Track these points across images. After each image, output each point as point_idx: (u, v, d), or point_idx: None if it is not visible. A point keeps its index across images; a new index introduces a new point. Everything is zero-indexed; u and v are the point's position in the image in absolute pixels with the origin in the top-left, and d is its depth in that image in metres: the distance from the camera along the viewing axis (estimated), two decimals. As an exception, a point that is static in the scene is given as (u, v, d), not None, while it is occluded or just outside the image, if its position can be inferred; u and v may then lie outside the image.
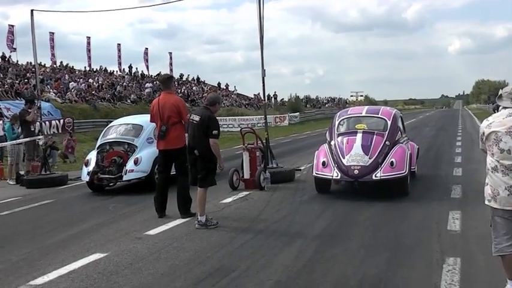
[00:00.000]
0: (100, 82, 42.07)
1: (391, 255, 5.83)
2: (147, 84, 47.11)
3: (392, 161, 8.97)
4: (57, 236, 7.36)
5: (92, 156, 11.40)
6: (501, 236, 4.35)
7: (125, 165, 10.97)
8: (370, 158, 9.03)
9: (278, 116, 46.41)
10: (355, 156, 9.08)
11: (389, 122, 9.85)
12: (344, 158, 9.18)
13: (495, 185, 4.36)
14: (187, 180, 8.22)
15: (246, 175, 11.10)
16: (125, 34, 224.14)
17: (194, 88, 54.08)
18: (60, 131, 24.92)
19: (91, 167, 11.12)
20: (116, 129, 11.78)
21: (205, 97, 10.67)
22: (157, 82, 50.24)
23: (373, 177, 8.89)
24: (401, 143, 9.89)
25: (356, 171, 8.94)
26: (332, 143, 9.73)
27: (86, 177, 11.14)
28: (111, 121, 14.21)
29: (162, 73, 54.90)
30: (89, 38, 48.60)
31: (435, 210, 8.09)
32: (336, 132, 9.93)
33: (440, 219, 7.47)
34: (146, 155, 10.91)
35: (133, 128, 11.59)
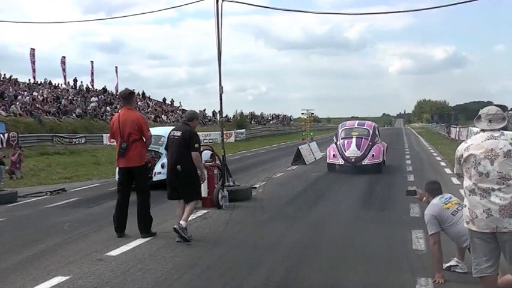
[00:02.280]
0: (45, 95, 40.91)
1: (364, 275, 5.85)
2: (93, 99, 46.16)
3: (373, 154, 15.80)
4: (14, 258, 7.03)
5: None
6: (480, 257, 4.40)
7: (154, 169, 13.52)
8: (360, 152, 15.65)
9: (225, 132, 46.44)
10: (352, 151, 15.70)
11: (371, 131, 16.70)
12: (345, 152, 15.87)
13: (473, 208, 4.39)
14: (148, 199, 8.11)
15: (204, 193, 10.94)
16: (69, 47, 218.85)
17: (140, 103, 53.37)
18: (4, 146, 23.94)
19: None
20: None
21: (184, 113, 11.31)
22: (103, 96, 49.55)
23: (363, 163, 15.62)
24: (378, 143, 16.54)
25: (353, 159, 15.75)
26: (338, 143, 16.33)
27: None
28: (58, 135, 14.31)
29: (108, 87, 54.76)
30: (33, 49, 47.08)
31: (398, 230, 8.17)
32: (340, 136, 16.60)
33: (405, 238, 7.54)
34: None
35: (156, 139, 12.84)
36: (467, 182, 4.49)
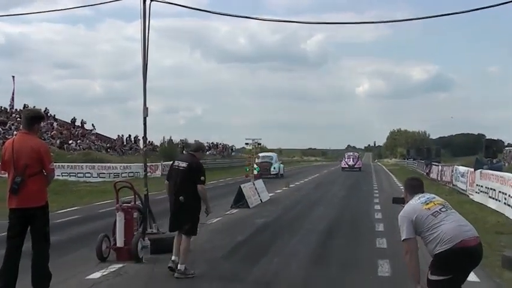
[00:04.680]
0: None
1: None
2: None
3: (359, 164, 67.38)
4: None
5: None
6: None
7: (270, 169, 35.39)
8: (354, 163, 65.65)
9: (149, 164, 45.93)
10: (351, 162, 65.82)
11: (357, 156, 70.63)
12: (349, 163, 65.99)
13: None
14: (47, 249, 7.83)
15: (120, 242, 10.79)
16: None
17: (42, 124, 52.38)
18: None
19: None
20: None
21: (190, 144, 12.64)
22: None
23: (354, 167, 64.22)
24: (359, 160, 68.84)
25: (351, 165, 64.83)
26: (345, 159, 68.40)
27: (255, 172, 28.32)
28: None
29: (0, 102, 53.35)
30: None
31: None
32: (346, 156, 69.44)
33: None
34: (277, 166, 41.49)
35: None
36: None
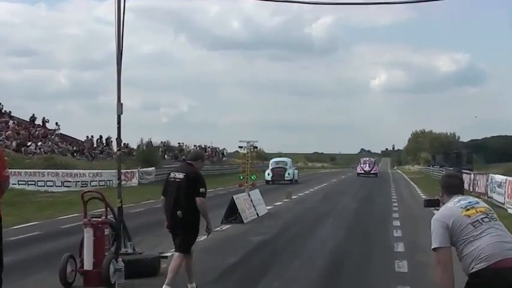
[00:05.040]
0: None
1: None
2: None
3: (376, 170, 79.19)
4: None
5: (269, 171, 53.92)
6: None
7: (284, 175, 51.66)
8: (370, 169, 77.55)
9: (124, 171, 45.98)
10: (367, 168, 77.99)
11: (374, 162, 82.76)
12: (365, 168, 78.07)
13: None
14: (0, 273, 7.88)
15: (88, 265, 10.77)
16: None
17: (-6, 122, 52.34)
18: None
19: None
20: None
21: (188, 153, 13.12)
22: None
23: (370, 173, 75.54)
24: (375, 166, 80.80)
25: (367, 171, 76.60)
26: (361, 165, 79.90)
27: (269, 178, 52.76)
28: None
29: None
30: None
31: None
32: (362, 162, 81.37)
33: None
34: (292, 171, 55.09)
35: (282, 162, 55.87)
36: None
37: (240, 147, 28.09)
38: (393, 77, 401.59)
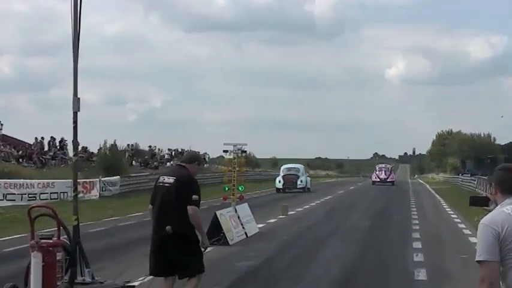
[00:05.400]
0: None
1: None
2: None
3: (393, 178, 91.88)
4: None
5: (280, 179, 62.62)
6: None
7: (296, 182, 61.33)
8: (386, 177, 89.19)
9: (82, 181, 45.88)
10: (383, 176, 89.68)
11: (390, 168, 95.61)
12: (381, 176, 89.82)
13: None
14: None
15: (36, 296, 10.89)
16: None
17: None
18: None
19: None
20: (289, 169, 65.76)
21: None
22: None
23: (387, 181, 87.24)
24: (392, 173, 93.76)
25: (383, 179, 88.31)
26: (376, 172, 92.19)
27: (280, 186, 61.72)
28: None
29: None
30: None
31: None
32: (377, 169, 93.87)
33: None
34: (304, 179, 63.46)
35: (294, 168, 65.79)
36: None
37: (225, 151, 28.05)
38: (413, 66, 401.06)
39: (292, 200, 45.93)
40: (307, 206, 40.67)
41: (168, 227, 9.82)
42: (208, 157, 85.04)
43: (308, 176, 69.20)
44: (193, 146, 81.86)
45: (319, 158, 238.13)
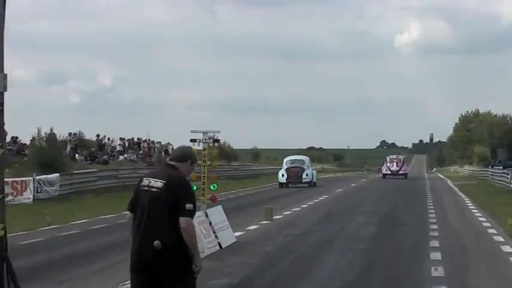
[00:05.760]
0: None
1: None
2: None
3: (405, 170, 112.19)
4: None
5: (283, 172, 73.00)
6: None
7: (302, 176, 71.56)
8: (399, 169, 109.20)
9: (11, 180, 45.53)
10: (395, 167, 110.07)
11: (402, 160, 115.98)
12: (392, 168, 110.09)
13: None
14: None
15: None
16: None
17: None
18: None
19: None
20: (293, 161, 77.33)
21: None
22: None
23: (399, 173, 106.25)
24: (404, 165, 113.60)
25: (395, 171, 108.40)
26: (387, 164, 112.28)
27: (283, 180, 71.63)
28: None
29: None
30: None
31: None
32: (388, 160, 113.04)
33: None
34: (310, 172, 72.82)
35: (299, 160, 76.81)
36: None
37: (192, 140, 27.85)
38: (430, 31, 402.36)
39: (278, 200, 46.21)
40: (298, 208, 40.87)
41: (156, 242, 9.39)
42: (172, 148, 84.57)
43: (314, 169, 77.31)
44: (152, 135, 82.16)
45: (312, 148, 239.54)
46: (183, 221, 9.36)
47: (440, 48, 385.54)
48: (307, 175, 68.02)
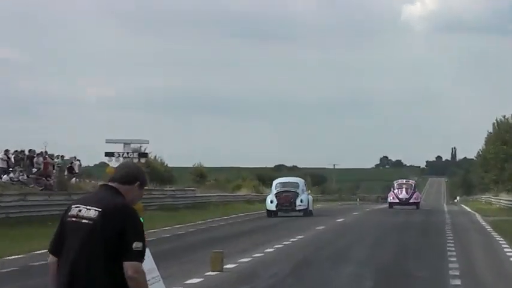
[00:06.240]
0: None
1: None
2: None
3: (417, 198, 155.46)
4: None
5: (273, 198, 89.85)
6: None
7: (295, 202, 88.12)
8: (409, 197, 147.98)
9: None
10: (404, 195, 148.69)
11: (413, 185, 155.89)
12: (400, 195, 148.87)
13: None
14: None
15: None
16: None
17: None
18: None
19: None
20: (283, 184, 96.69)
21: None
22: None
23: (409, 202, 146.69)
24: (415, 192, 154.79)
25: (404, 199, 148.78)
26: (394, 191, 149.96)
27: (272, 208, 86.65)
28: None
29: None
30: None
31: None
32: (396, 186, 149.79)
33: None
34: (305, 197, 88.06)
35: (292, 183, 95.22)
36: None
37: (109, 154, 26.74)
38: (447, 2, 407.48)
39: (232, 240, 47.86)
40: (261, 254, 40.29)
41: None
42: (80, 165, 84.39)
43: (309, 194, 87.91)
44: (51, 146, 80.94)
45: (282, 166, 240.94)
46: (129, 267, 8.54)
47: (460, 24, 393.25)
48: (301, 201, 75.60)
